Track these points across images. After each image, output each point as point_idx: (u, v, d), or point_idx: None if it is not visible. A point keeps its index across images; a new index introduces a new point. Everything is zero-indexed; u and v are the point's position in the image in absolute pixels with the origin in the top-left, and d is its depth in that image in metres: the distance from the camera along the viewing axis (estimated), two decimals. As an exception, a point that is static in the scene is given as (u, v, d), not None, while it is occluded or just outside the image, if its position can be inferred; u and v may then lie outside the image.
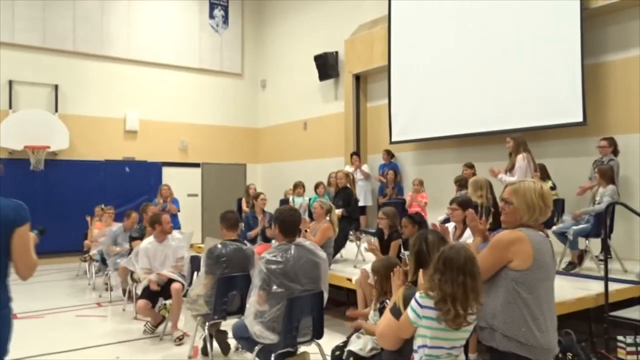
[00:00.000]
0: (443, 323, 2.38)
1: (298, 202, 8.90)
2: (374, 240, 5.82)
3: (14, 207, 2.37)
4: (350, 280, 5.56)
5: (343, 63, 11.32)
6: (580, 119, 6.93)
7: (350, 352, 3.35)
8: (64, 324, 6.28)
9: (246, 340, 3.78)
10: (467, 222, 3.27)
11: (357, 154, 10.28)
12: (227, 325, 4.50)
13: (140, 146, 12.44)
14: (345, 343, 3.52)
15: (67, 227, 9.92)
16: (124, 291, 7.06)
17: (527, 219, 2.62)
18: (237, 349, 4.88)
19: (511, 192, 2.68)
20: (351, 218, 7.21)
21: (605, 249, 5.54)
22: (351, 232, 7.81)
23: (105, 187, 11.65)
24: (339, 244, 6.69)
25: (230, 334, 4.35)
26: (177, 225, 8.76)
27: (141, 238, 6.40)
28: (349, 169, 9.62)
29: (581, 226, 5.87)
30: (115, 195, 11.21)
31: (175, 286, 5.38)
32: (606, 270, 4.67)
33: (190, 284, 5.44)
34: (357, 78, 11.08)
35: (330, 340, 3.98)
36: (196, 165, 13.33)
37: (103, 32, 12.02)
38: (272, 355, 3.58)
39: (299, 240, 3.85)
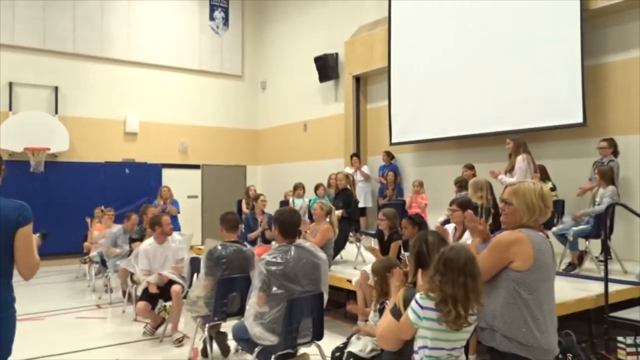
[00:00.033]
0: (444, 324, 2.37)
1: (298, 203, 8.90)
2: (374, 243, 5.83)
3: (17, 207, 2.40)
4: (350, 281, 5.55)
5: (343, 64, 11.33)
6: (580, 120, 6.93)
7: (351, 354, 3.35)
8: (64, 326, 6.27)
9: (246, 341, 3.78)
10: (466, 223, 3.27)
11: (357, 156, 10.29)
12: (227, 326, 4.49)
13: (140, 148, 12.45)
14: (345, 344, 3.52)
15: (67, 229, 9.91)
16: (123, 293, 7.05)
17: (527, 220, 2.62)
18: (237, 350, 4.87)
19: (511, 193, 2.68)
20: (351, 219, 7.20)
21: (605, 249, 5.53)
22: (351, 234, 7.81)
23: (105, 189, 11.65)
24: (339, 245, 6.69)
25: (230, 336, 4.34)
26: (177, 227, 8.75)
27: (141, 239, 6.40)
28: (349, 170, 9.62)
29: (581, 227, 5.87)
30: (115, 197, 11.22)
31: (175, 288, 5.38)
32: (606, 271, 4.66)
33: (190, 285, 5.43)
34: (357, 79, 11.08)
35: (330, 341, 3.97)
36: (196, 166, 13.33)
37: (103, 33, 12.04)
38: (272, 356, 3.57)
39: (299, 241, 3.85)
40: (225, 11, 13.90)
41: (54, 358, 4.94)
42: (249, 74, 14.31)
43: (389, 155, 9.98)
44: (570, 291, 4.83)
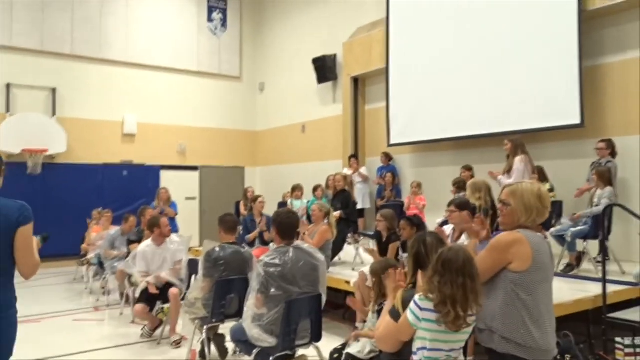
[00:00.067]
0: (443, 325, 2.37)
1: (297, 205, 8.88)
2: (372, 244, 5.82)
3: (17, 208, 2.43)
4: (348, 282, 5.55)
5: (341, 66, 11.33)
6: (578, 121, 6.94)
7: (349, 355, 3.34)
8: (61, 328, 6.25)
9: (244, 343, 3.77)
10: (461, 224, 3.27)
11: (355, 157, 10.29)
12: (225, 328, 4.49)
13: (139, 149, 12.43)
14: (344, 346, 3.52)
15: (64, 230, 9.85)
16: (121, 295, 7.04)
17: (524, 220, 2.62)
18: (235, 352, 4.86)
19: (509, 194, 2.68)
20: (349, 221, 7.20)
21: (603, 250, 5.52)
22: (349, 235, 7.80)
23: (103, 191, 11.63)
24: (337, 246, 6.68)
25: (228, 338, 4.33)
26: (174, 229, 8.72)
27: (139, 241, 6.39)
28: (348, 171, 9.62)
29: (579, 228, 5.88)
30: (113, 199, 11.19)
31: (173, 291, 5.37)
32: (604, 272, 4.67)
33: (188, 287, 5.42)
34: (356, 81, 11.09)
35: (328, 343, 3.97)
36: (194, 168, 13.31)
37: (101, 35, 12.03)
38: (271, 358, 3.56)
39: (298, 243, 3.84)
40: (224, 13, 13.90)
41: (52, 360, 4.93)
42: (247, 75, 14.30)
43: (387, 157, 9.99)
44: (568, 292, 4.83)
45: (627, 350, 4.17)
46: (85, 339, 5.72)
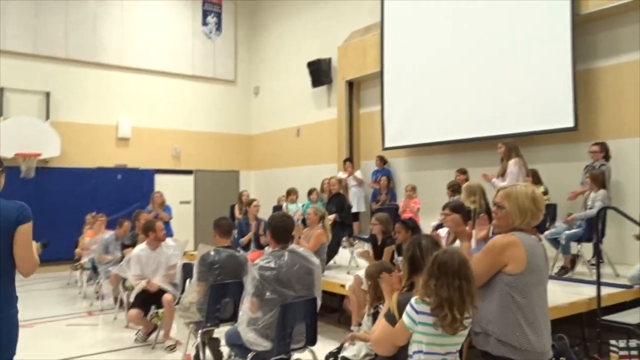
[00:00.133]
0: (439, 329, 2.36)
1: (292, 208, 8.87)
2: (367, 248, 5.81)
3: (17, 208, 2.51)
4: (343, 286, 5.54)
5: (336, 69, 11.36)
6: (571, 124, 6.98)
7: (344, 359, 3.33)
8: (55, 333, 6.21)
9: (239, 347, 3.75)
10: (454, 226, 3.27)
11: (350, 160, 10.30)
12: (220, 332, 4.47)
13: (133, 153, 12.39)
14: (339, 349, 3.51)
15: (58, 235, 9.67)
16: (115, 299, 7.00)
17: (519, 223, 2.62)
18: (229, 356, 4.82)
19: (503, 196, 2.69)
20: (344, 224, 7.20)
21: (597, 253, 5.56)
22: (344, 239, 7.80)
23: (97, 195, 11.57)
24: (332, 250, 6.68)
25: (223, 342, 4.31)
26: (169, 233, 8.70)
27: (133, 245, 6.36)
28: (342, 175, 9.62)
29: (573, 231, 5.90)
30: (107, 203, 11.12)
31: (166, 297, 5.36)
32: (598, 275, 4.69)
33: (182, 292, 5.40)
34: (350, 84, 11.11)
35: (323, 346, 3.96)
36: (189, 172, 13.28)
37: (96, 39, 12.00)
38: (266, 362, 3.55)
39: (293, 246, 3.83)
40: (218, 16, 13.90)
41: (45, 366, 4.89)
42: (242, 79, 14.30)
43: (382, 160, 10.00)
44: (562, 295, 4.85)
45: (622, 353, 4.19)
46: (79, 343, 5.68)
